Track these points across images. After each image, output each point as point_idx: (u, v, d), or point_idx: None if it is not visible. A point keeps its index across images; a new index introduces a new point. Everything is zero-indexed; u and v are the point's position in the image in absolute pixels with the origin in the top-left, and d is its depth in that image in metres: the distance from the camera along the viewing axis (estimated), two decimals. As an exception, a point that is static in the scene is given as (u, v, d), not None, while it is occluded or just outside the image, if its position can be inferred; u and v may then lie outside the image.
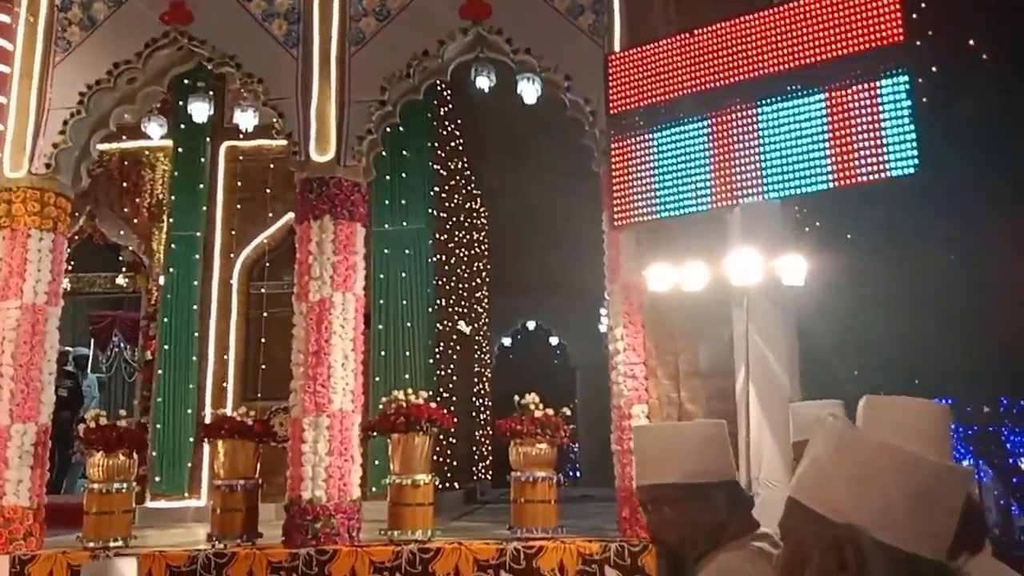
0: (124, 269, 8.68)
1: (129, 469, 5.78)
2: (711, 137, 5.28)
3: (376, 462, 7.16)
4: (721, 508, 1.64)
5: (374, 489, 6.84)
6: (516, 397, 5.89)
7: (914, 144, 4.66)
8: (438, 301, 9.46)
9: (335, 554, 5.26)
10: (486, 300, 12.91)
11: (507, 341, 15.76)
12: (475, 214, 12.06)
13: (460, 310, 10.60)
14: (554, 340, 15.73)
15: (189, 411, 6.93)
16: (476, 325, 12.00)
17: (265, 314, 7.90)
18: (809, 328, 5.50)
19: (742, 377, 4.89)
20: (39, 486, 5.86)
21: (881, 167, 4.73)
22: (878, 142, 4.75)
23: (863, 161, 4.79)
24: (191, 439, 6.72)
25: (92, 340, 10.07)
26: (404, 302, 8.68)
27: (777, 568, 1.03)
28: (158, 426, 6.82)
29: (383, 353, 8.51)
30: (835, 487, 1.00)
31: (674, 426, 2.56)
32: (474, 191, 11.94)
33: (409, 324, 8.73)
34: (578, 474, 15.46)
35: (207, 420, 6.54)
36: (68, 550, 5.43)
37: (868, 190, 5.27)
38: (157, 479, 6.66)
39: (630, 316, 5.71)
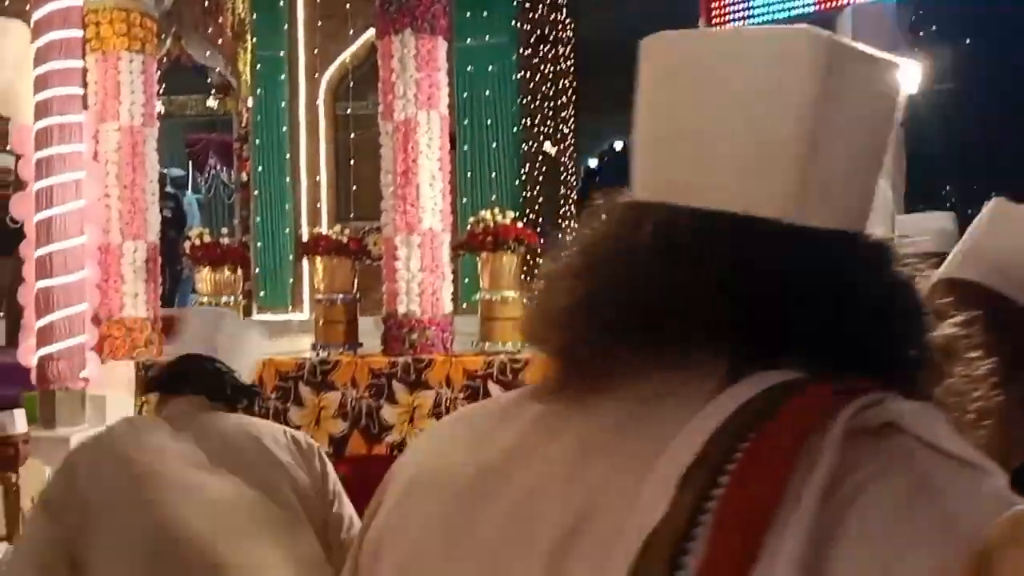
0: (213, 91, 8.77)
1: (235, 284, 6.12)
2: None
3: (466, 280, 7.34)
4: None
5: (464, 305, 7.06)
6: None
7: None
8: (523, 121, 9.28)
9: (431, 363, 5.53)
10: (572, 120, 12.60)
11: (593, 163, 15.52)
12: (560, 27, 11.52)
13: (546, 130, 10.41)
14: (641, 161, 15.41)
15: (287, 230, 7.18)
16: (562, 146, 11.80)
17: (352, 135, 7.93)
18: (919, 138, 5.17)
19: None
20: (154, 299, 6.28)
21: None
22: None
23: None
24: (290, 256, 7.01)
25: (190, 162, 10.39)
26: (489, 122, 8.55)
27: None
28: (258, 244, 7.11)
29: (469, 174, 8.50)
30: None
31: None
32: (559, 2, 11.35)
33: (494, 145, 8.64)
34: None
35: (304, 238, 6.76)
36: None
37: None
38: (261, 294, 7.03)
39: (724, 130, 5.47)
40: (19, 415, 4.07)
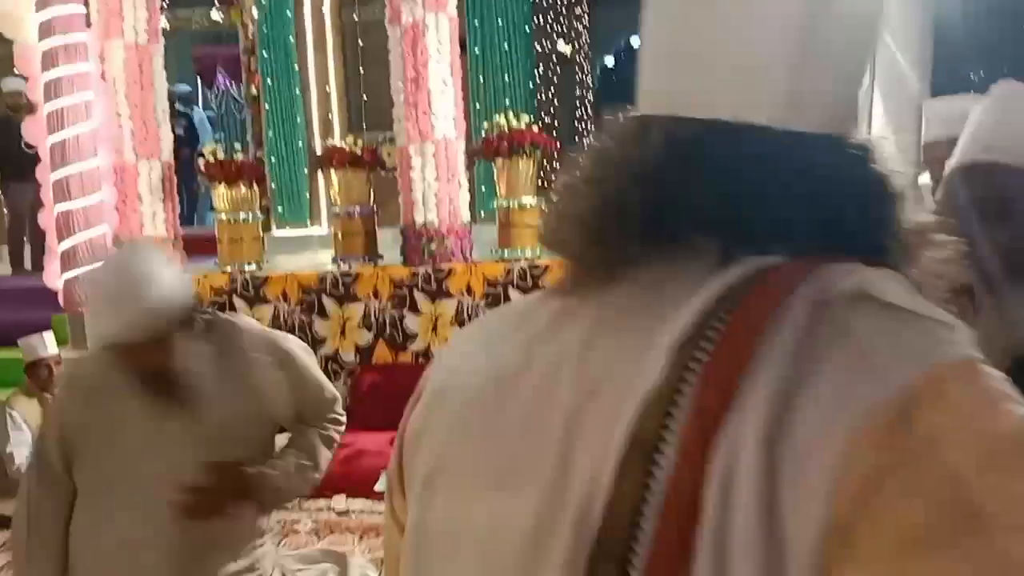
0: (218, 3, 8.54)
1: (252, 200, 6.09)
2: None
3: (483, 188, 7.29)
4: None
5: (482, 214, 7.03)
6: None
7: None
8: (535, 18, 9.01)
9: (451, 272, 5.55)
10: (586, 17, 12.20)
11: (610, 62, 15.09)
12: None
13: (559, 28, 10.10)
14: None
15: (300, 143, 7.11)
16: (576, 45, 11.47)
17: (361, 44, 7.74)
18: (947, 22, 4.94)
19: (867, 77, 4.54)
20: (173, 218, 6.29)
21: None
22: None
23: None
24: (305, 170, 6.96)
25: (198, 78, 10.22)
26: (500, 22, 8.30)
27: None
28: (272, 159, 7.06)
29: (481, 79, 8.32)
30: None
31: None
32: None
33: (506, 46, 8.42)
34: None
35: (318, 152, 6.70)
36: (208, 273, 5.92)
37: None
38: (279, 209, 7.02)
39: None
40: (48, 337, 4.16)
